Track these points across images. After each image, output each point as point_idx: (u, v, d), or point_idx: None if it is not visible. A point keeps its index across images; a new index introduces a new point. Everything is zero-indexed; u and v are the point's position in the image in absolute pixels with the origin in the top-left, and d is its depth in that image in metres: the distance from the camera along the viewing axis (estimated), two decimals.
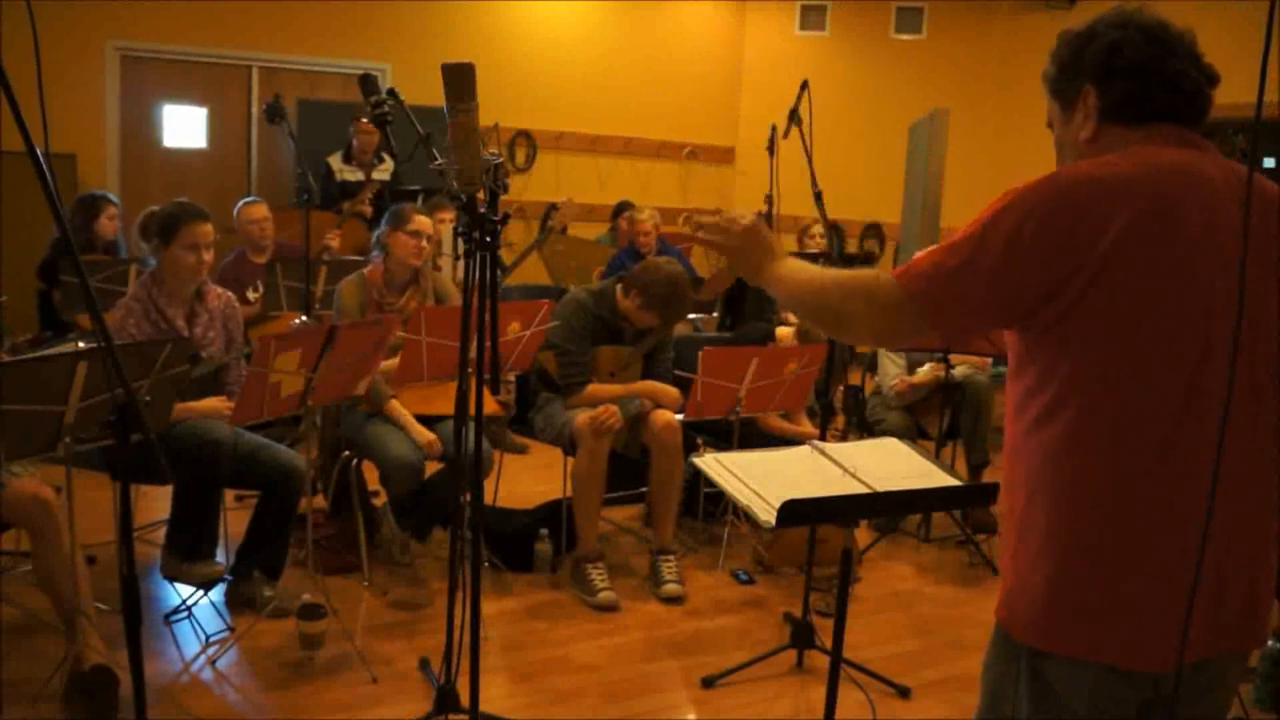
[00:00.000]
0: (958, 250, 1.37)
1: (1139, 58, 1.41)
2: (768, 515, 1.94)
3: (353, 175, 6.31)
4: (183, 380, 2.97)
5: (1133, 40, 1.41)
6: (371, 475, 3.73)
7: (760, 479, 2.07)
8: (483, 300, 2.27)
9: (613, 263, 6.04)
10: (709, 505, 4.46)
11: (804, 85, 3.64)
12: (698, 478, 4.21)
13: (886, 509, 3.25)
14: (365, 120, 6.17)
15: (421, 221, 3.75)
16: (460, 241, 2.29)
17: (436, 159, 2.29)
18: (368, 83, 2.48)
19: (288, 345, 2.96)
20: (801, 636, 3.24)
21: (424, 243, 3.74)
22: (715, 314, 6.72)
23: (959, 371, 4.57)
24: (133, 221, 5.61)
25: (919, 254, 1.43)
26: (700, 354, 3.76)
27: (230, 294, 3.62)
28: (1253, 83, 1.04)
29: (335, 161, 6.35)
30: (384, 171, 6.37)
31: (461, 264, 2.36)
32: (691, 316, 5.89)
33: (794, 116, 3.65)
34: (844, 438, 4.54)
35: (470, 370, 2.37)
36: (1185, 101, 1.42)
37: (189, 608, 3.32)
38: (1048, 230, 1.31)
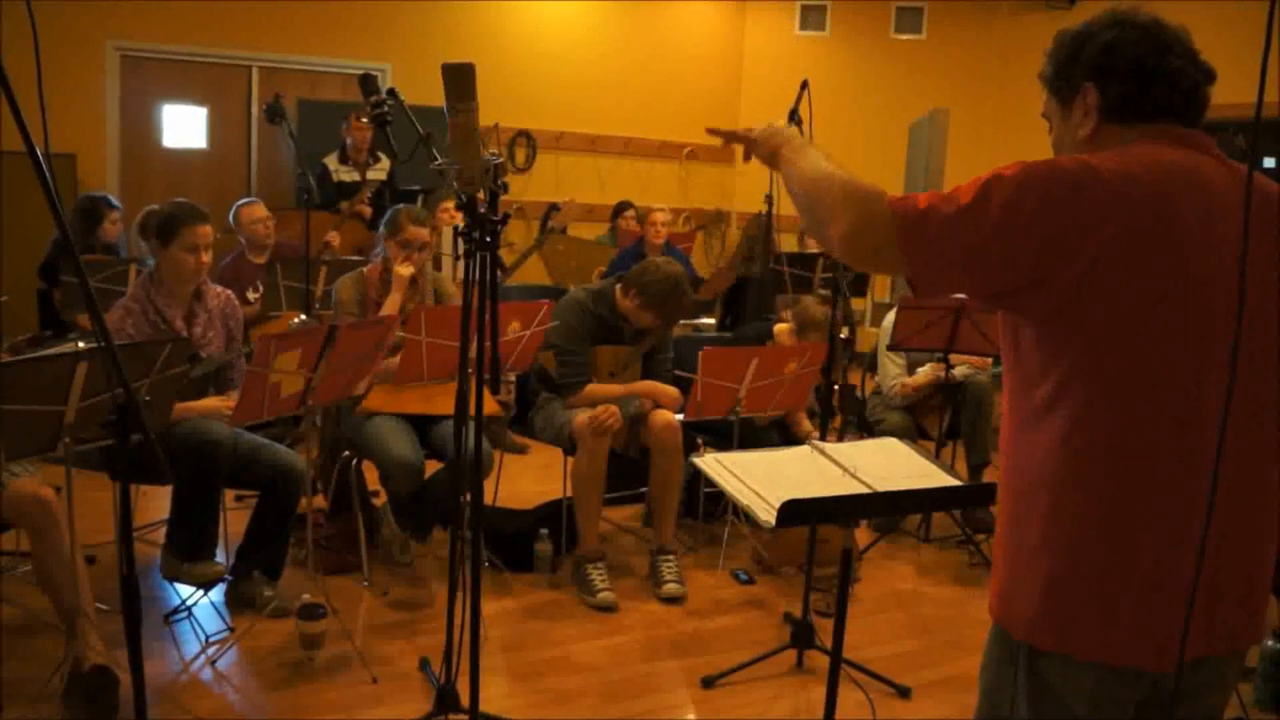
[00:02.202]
0: (954, 200, 1.34)
1: (1136, 56, 1.41)
2: (768, 515, 1.94)
3: (349, 176, 6.30)
4: (182, 380, 2.97)
5: (1129, 39, 1.41)
6: (371, 475, 3.73)
7: (760, 479, 2.07)
8: (483, 300, 2.27)
9: (615, 262, 6.04)
10: (709, 505, 4.45)
11: (804, 85, 3.63)
12: (698, 478, 4.21)
13: (886, 509, 3.25)
14: (356, 118, 6.16)
15: (414, 233, 3.74)
16: (460, 242, 2.29)
17: (436, 159, 2.29)
18: (368, 83, 2.48)
19: (288, 345, 2.97)
20: (801, 636, 3.24)
21: (414, 255, 3.74)
22: (715, 316, 6.72)
23: (959, 371, 4.57)
24: (133, 222, 5.61)
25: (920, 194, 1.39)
26: (700, 354, 3.76)
27: (229, 292, 3.62)
28: (1253, 83, 1.04)
29: (332, 162, 6.34)
30: (380, 170, 6.37)
31: (461, 264, 2.36)
32: (691, 321, 5.89)
33: (794, 116, 3.64)
34: (840, 437, 4.53)
35: (470, 370, 2.37)
36: (1183, 99, 1.42)
37: (189, 608, 3.32)
38: (1047, 211, 1.29)
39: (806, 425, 4.46)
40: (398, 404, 3.63)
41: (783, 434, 4.41)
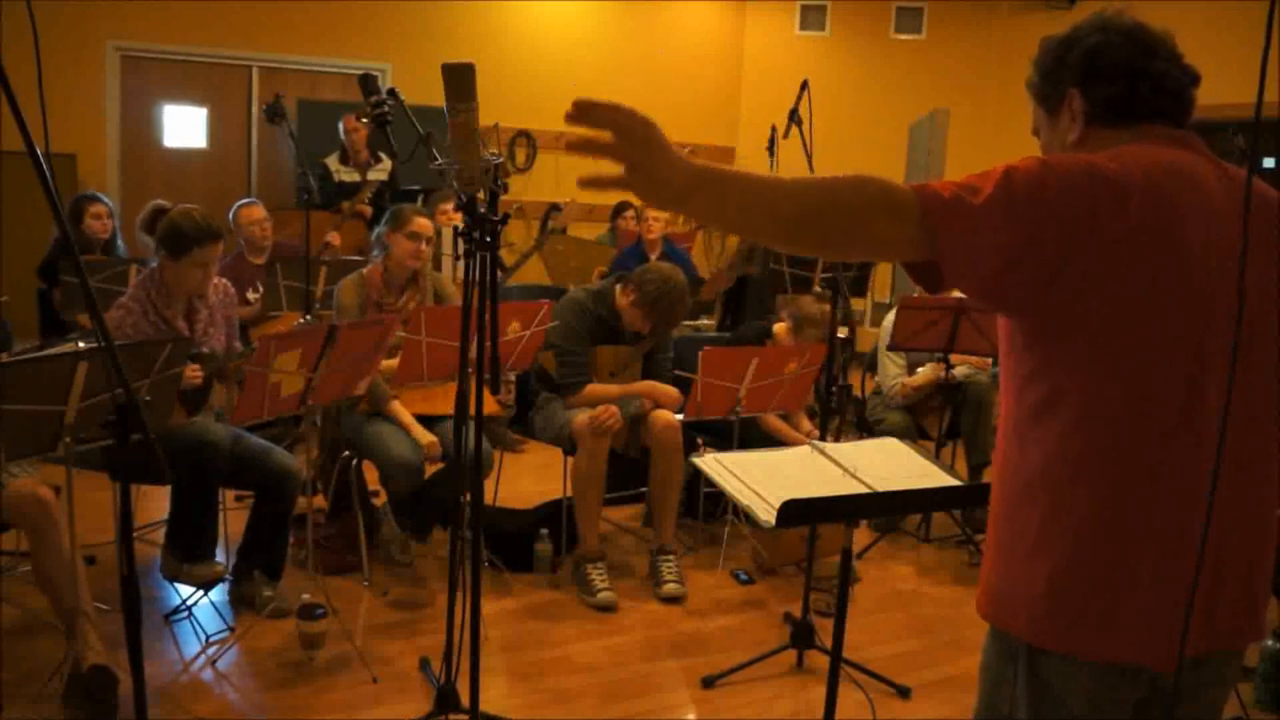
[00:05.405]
0: (978, 191, 1.30)
1: (1121, 59, 1.41)
2: (768, 515, 1.94)
3: (349, 176, 6.29)
4: (181, 379, 2.97)
5: (1114, 42, 1.42)
6: (371, 475, 3.74)
7: (760, 479, 2.07)
8: (483, 300, 2.27)
9: (616, 261, 6.04)
10: (709, 505, 4.46)
11: (804, 85, 3.64)
12: (698, 478, 4.21)
13: (886, 509, 3.25)
14: (351, 118, 6.15)
15: (421, 224, 3.73)
16: (460, 242, 2.30)
17: (436, 159, 2.29)
18: (368, 83, 2.48)
19: (288, 345, 2.97)
20: (801, 636, 3.24)
21: (423, 245, 3.73)
22: (714, 316, 6.72)
23: (959, 372, 4.57)
24: (133, 216, 5.59)
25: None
26: (700, 354, 3.76)
27: (225, 281, 3.60)
28: (1252, 83, 1.04)
29: (333, 163, 6.33)
30: (381, 171, 6.37)
31: (461, 264, 2.36)
32: (691, 323, 5.88)
33: (794, 116, 3.65)
34: (836, 438, 4.54)
35: (470, 370, 2.37)
36: (1171, 101, 1.42)
37: (189, 608, 3.32)
38: (1070, 195, 1.27)
39: (806, 425, 4.46)
40: (399, 405, 3.64)
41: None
